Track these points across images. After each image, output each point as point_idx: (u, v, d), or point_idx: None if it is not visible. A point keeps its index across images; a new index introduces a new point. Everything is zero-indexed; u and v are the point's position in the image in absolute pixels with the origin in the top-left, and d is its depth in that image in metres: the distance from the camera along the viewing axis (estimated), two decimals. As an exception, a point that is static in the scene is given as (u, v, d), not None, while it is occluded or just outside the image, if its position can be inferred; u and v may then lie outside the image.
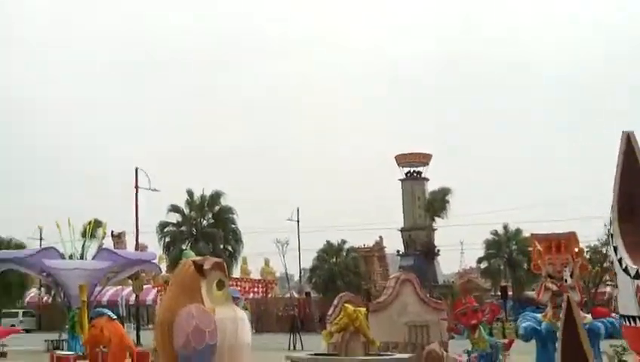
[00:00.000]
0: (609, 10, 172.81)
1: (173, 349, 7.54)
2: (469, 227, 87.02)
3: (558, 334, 8.58)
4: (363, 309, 18.62)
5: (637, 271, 5.23)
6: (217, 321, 7.52)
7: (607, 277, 38.96)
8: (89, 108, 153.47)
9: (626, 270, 5.40)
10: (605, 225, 38.73)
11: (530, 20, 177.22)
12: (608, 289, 42.14)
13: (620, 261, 5.54)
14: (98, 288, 30.30)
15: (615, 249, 5.58)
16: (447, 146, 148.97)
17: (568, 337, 8.19)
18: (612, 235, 5.62)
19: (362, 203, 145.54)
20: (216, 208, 48.07)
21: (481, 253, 55.61)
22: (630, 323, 5.42)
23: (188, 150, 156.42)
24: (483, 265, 54.92)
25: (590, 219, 56.51)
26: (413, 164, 60.73)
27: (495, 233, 54.67)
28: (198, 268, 7.64)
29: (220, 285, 7.85)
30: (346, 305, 19.05)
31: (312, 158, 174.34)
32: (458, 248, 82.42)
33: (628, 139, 5.71)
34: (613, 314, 23.05)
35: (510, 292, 51.64)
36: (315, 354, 19.15)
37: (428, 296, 23.79)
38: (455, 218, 56.46)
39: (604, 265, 35.85)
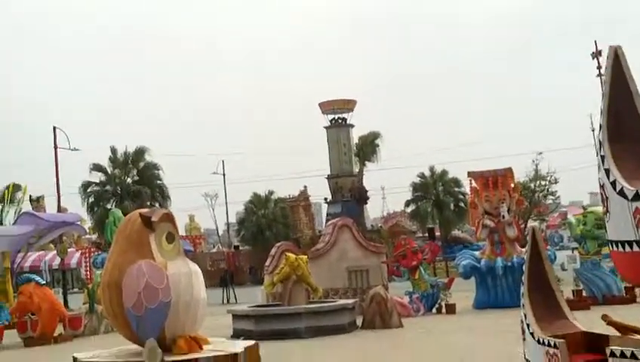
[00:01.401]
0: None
1: (123, 310, 6.93)
2: (390, 171, 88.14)
3: (524, 266, 8.27)
4: (304, 257, 18.33)
5: (636, 192, 4.81)
6: (170, 277, 6.94)
7: (534, 213, 39.88)
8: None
9: (621, 192, 5.01)
10: (533, 161, 39.55)
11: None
12: (534, 224, 43.20)
13: (613, 183, 5.13)
14: (21, 254, 28.96)
15: (607, 171, 5.18)
16: (372, 92, 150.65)
17: (534, 269, 7.91)
18: (602, 157, 5.21)
19: (289, 152, 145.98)
20: (141, 165, 46.64)
21: (408, 196, 56.07)
22: (624, 248, 5.05)
23: (108, 108, 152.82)
24: (411, 208, 55.38)
25: (518, 155, 57.52)
26: (337, 110, 60.19)
27: (422, 175, 55.05)
28: (146, 220, 6.99)
29: (170, 238, 7.24)
30: (288, 254, 18.73)
31: (237, 110, 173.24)
32: (380, 193, 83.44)
33: (615, 54, 5.28)
34: (548, 247, 23.50)
35: (438, 233, 52.38)
36: (257, 306, 18.84)
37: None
38: (378, 163, 56.62)
39: (532, 200, 36.61)
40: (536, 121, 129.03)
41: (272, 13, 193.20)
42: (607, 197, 5.23)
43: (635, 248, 4.92)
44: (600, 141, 5.16)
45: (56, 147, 38.19)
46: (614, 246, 5.24)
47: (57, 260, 46.51)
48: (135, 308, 6.88)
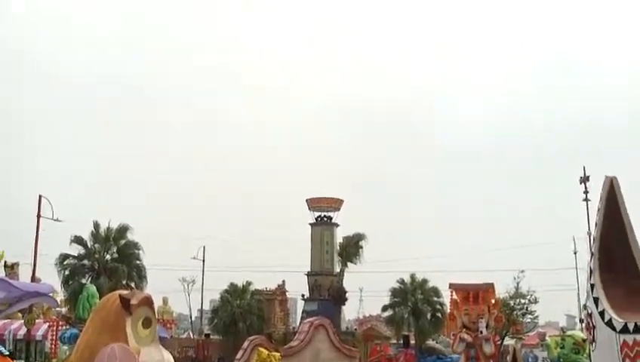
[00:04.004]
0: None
1: (90, 393, 6.69)
2: (370, 274, 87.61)
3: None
4: (277, 354, 17.97)
5: (625, 324, 4.76)
6: (142, 363, 6.75)
7: (511, 331, 39.52)
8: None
9: (609, 323, 4.95)
10: (514, 278, 39.50)
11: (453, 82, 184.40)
12: (511, 342, 42.74)
13: (601, 313, 5.08)
14: (-14, 321, 28.24)
15: (596, 300, 5.14)
16: (359, 193, 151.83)
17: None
18: (592, 286, 5.18)
19: (270, 244, 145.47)
20: (122, 242, 46.17)
21: (386, 301, 55.52)
22: (609, 381, 4.95)
23: (93, 183, 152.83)
24: (387, 313, 54.74)
25: (498, 271, 56.87)
26: (324, 208, 60.60)
27: (402, 281, 54.63)
28: (125, 302, 6.84)
29: (147, 323, 7.06)
30: (261, 349, 18.36)
31: (223, 197, 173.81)
32: (357, 294, 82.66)
33: (611, 184, 5.34)
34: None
35: (412, 341, 51.62)
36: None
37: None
38: (360, 264, 56.47)
39: (510, 318, 36.33)
40: (519, 237, 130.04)
41: (262, 107, 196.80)
42: (594, 326, 5.15)
43: (619, 383, 4.82)
44: (591, 269, 5.14)
45: (39, 216, 37.84)
46: (598, 378, 5.14)
47: (23, 330, 45.24)
48: (102, 393, 6.64)
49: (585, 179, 40.17)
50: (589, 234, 33.52)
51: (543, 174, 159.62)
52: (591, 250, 5.40)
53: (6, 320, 46.88)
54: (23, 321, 43.72)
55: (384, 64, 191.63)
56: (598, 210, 5.45)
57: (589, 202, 38.51)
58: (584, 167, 41.01)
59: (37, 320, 45.45)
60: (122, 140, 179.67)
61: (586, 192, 39.60)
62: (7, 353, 20.40)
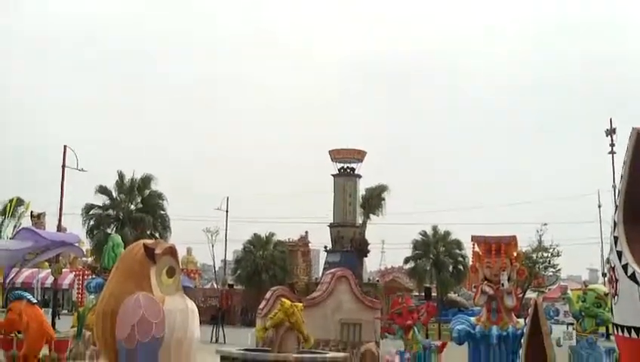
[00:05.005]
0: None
1: (115, 341, 6.83)
2: (392, 225, 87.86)
3: (523, 340, 8.16)
4: (300, 305, 18.09)
5: (648, 278, 4.73)
6: (166, 312, 6.85)
7: (533, 285, 39.64)
8: (17, 84, 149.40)
9: (632, 277, 4.94)
10: (537, 231, 39.47)
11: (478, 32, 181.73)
12: (533, 295, 42.84)
13: (624, 267, 5.06)
14: (14, 270, 28.70)
15: (619, 253, 5.10)
16: (384, 145, 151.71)
17: (533, 345, 7.81)
18: (616, 239, 5.14)
19: (293, 194, 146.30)
20: (146, 192, 46.58)
21: (408, 253, 55.76)
22: (630, 334, 4.96)
23: (118, 133, 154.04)
24: (409, 265, 55.01)
25: (520, 224, 56.66)
26: (347, 159, 60.40)
27: (424, 234, 54.76)
28: (149, 252, 6.93)
29: (171, 272, 7.16)
30: (283, 299, 18.50)
31: (247, 149, 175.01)
32: (379, 246, 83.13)
33: (637, 136, 5.23)
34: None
35: (434, 294, 51.96)
36: (246, 349, 18.56)
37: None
38: (383, 216, 56.72)
39: (532, 271, 36.39)
40: (543, 190, 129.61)
41: (283, 58, 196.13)
42: (616, 280, 5.13)
43: (642, 335, 4.82)
44: (615, 221, 5.10)
45: (64, 166, 38.24)
46: (620, 330, 5.13)
47: (50, 279, 46.20)
48: (127, 341, 6.78)
49: (611, 131, 39.60)
50: (614, 187, 33.29)
51: (568, 126, 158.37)
52: (616, 202, 5.34)
53: (34, 269, 47.89)
54: (50, 270, 44.57)
55: (406, 19, 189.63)
56: (624, 162, 5.36)
57: (614, 155, 38.08)
58: (610, 119, 40.43)
59: (64, 270, 46.28)
60: (147, 92, 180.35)
61: (612, 145, 39.10)
62: (35, 301, 20.85)
